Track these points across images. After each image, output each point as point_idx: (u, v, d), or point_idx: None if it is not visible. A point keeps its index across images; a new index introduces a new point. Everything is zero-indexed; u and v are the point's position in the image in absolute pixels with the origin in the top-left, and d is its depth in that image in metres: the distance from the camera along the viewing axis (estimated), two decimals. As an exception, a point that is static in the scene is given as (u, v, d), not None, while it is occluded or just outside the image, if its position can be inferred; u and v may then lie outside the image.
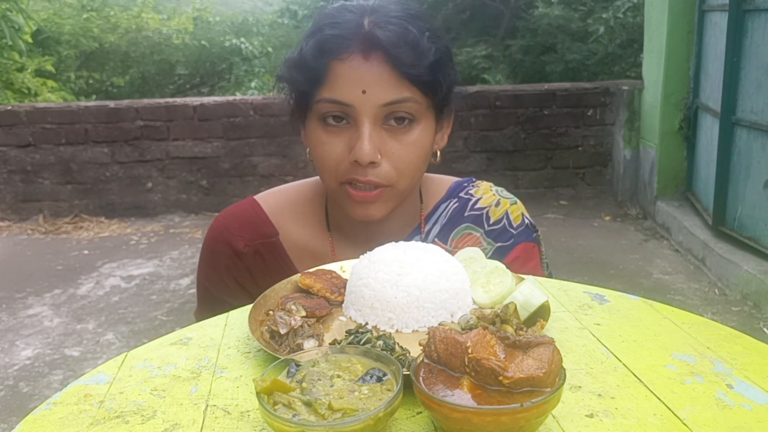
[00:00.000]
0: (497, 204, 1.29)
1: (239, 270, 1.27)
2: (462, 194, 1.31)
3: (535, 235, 1.30)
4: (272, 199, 1.32)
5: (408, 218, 1.29)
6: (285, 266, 1.25)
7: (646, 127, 5.44)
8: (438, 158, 1.23)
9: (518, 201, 1.32)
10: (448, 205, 1.31)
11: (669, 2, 4.91)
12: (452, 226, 1.29)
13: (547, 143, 5.80)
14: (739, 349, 0.85)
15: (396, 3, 1.16)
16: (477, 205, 1.29)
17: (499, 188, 1.33)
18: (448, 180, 1.35)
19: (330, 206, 1.30)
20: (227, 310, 1.02)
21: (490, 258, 1.10)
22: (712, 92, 4.61)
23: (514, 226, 1.28)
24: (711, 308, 3.80)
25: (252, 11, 11.28)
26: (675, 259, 4.59)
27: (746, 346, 0.86)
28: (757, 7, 3.95)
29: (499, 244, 1.27)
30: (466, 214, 1.29)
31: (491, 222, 1.28)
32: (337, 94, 1.11)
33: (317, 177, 1.34)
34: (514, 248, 1.27)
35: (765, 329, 3.50)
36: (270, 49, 9.40)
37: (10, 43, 6.50)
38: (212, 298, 1.29)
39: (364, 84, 1.10)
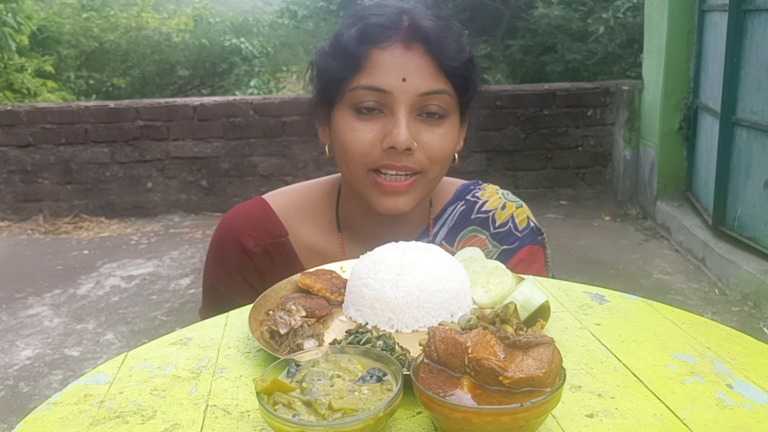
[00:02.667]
0: (503, 207, 1.30)
1: (248, 269, 1.27)
2: (469, 197, 1.32)
3: (540, 238, 1.30)
4: (281, 198, 1.32)
5: (418, 220, 1.29)
6: (294, 266, 1.25)
7: (646, 127, 5.44)
8: (456, 161, 1.24)
9: (524, 204, 1.33)
10: (455, 208, 1.31)
11: (669, 2, 4.91)
12: (459, 229, 1.30)
13: (547, 143, 5.80)
14: (739, 349, 0.85)
15: (430, 6, 1.19)
16: (483, 208, 1.30)
17: (505, 191, 1.34)
18: (455, 183, 1.36)
19: (341, 206, 1.30)
20: (234, 309, 1.02)
21: (495, 260, 1.10)
22: (712, 92, 4.61)
23: (520, 229, 1.29)
24: (711, 308, 3.80)
25: (252, 11, 11.28)
26: (675, 259, 4.59)
27: (746, 346, 0.86)
28: (757, 7, 3.95)
29: (504, 247, 1.28)
30: (472, 216, 1.30)
31: (497, 225, 1.29)
32: (377, 80, 1.12)
33: (326, 177, 1.34)
34: (519, 251, 1.28)
35: (765, 329, 3.50)
36: (270, 49, 9.40)
37: (2, 44, 6.50)
38: (219, 297, 1.28)
39: (405, 72, 1.11)
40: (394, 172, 1.14)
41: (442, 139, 1.16)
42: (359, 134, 1.14)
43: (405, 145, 1.11)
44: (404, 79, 1.11)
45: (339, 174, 1.29)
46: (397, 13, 1.15)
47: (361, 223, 1.27)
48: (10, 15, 6.45)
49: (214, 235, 1.32)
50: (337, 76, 1.16)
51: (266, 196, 1.33)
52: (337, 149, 1.19)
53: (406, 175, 1.14)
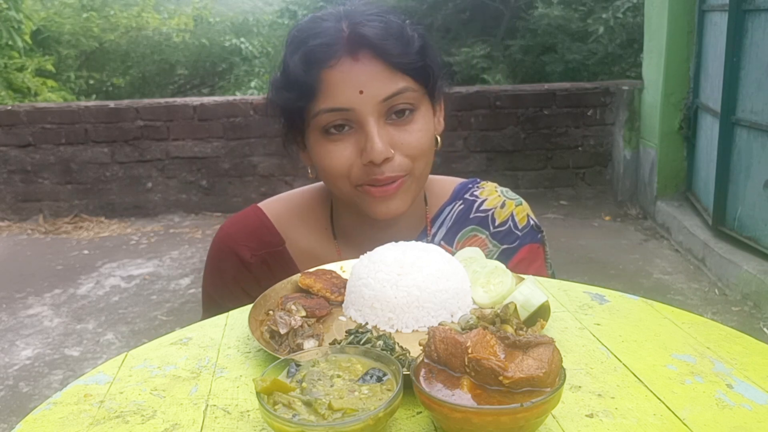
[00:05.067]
0: (502, 205, 1.29)
1: (247, 280, 1.26)
2: (467, 196, 1.31)
3: (540, 236, 1.30)
4: (276, 206, 1.31)
5: (414, 221, 1.28)
6: (292, 274, 1.24)
7: (646, 127, 5.44)
8: (439, 144, 1.22)
9: (523, 202, 1.31)
10: (453, 208, 1.30)
11: (669, 2, 4.91)
12: (458, 229, 1.28)
13: (547, 143, 5.80)
14: (739, 349, 0.85)
15: (366, 4, 1.17)
16: (482, 207, 1.29)
17: (504, 189, 1.33)
18: (453, 181, 1.34)
19: (335, 213, 1.29)
20: None
21: (496, 260, 1.10)
22: (712, 92, 4.61)
23: (520, 227, 1.28)
24: (711, 308, 3.80)
25: (252, 11, 11.27)
26: (675, 259, 4.59)
27: (746, 346, 0.86)
28: (757, 7, 3.95)
29: (504, 246, 1.27)
30: (471, 216, 1.29)
31: (497, 224, 1.28)
32: (335, 101, 1.10)
33: (321, 183, 1.33)
34: (519, 250, 1.27)
35: (765, 329, 3.50)
36: (270, 50, 9.40)
37: (9, 42, 6.50)
38: (217, 307, 1.27)
39: (360, 84, 1.09)
40: (382, 182, 1.13)
41: (417, 134, 1.14)
42: (335, 155, 1.13)
43: (382, 156, 1.09)
44: (361, 92, 1.09)
45: None
46: (336, 23, 1.12)
47: (356, 230, 1.26)
48: (12, 11, 6.45)
49: (211, 246, 1.31)
50: (296, 106, 1.14)
51: (261, 205, 1.31)
52: (319, 171, 1.19)
53: (393, 180, 1.13)
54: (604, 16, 7.18)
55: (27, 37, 7.31)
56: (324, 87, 1.10)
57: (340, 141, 1.13)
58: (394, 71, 1.11)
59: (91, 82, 8.97)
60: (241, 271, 1.26)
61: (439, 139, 1.23)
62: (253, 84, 8.70)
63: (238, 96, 7.05)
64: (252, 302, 0.99)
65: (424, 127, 1.15)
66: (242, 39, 9.17)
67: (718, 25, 4.46)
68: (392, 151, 1.11)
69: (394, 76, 1.11)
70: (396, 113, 1.13)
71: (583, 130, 5.79)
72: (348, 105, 1.10)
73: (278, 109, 1.19)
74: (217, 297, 1.29)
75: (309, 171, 1.24)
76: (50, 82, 7.84)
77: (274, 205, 1.31)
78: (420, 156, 1.15)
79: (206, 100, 5.87)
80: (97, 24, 8.85)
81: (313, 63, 1.10)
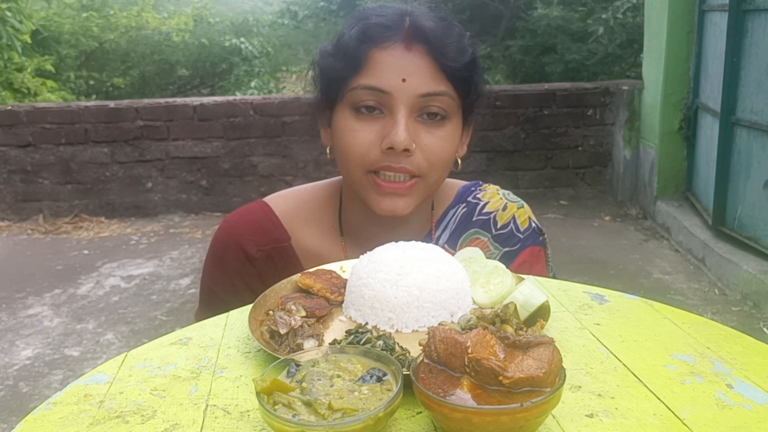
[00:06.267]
0: (504, 208, 1.29)
1: (250, 274, 1.26)
2: (470, 199, 1.31)
3: (541, 238, 1.30)
4: (283, 202, 1.30)
5: (420, 224, 1.28)
6: (296, 271, 1.24)
7: (646, 127, 5.44)
8: (459, 166, 1.24)
9: (525, 204, 1.32)
10: (456, 210, 1.31)
11: (669, 2, 4.91)
12: (461, 232, 1.29)
13: (547, 143, 5.80)
14: (739, 349, 0.85)
15: (432, 9, 1.19)
16: (485, 210, 1.29)
17: (506, 192, 1.33)
18: (456, 184, 1.35)
19: (343, 211, 1.29)
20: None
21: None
22: (712, 92, 4.61)
23: (521, 230, 1.28)
24: (711, 308, 3.80)
25: (252, 11, 11.28)
26: (675, 259, 4.59)
27: (746, 346, 0.86)
28: (757, 7, 3.95)
29: (506, 249, 1.27)
30: (474, 219, 1.29)
31: (498, 227, 1.28)
32: (376, 80, 1.11)
33: (329, 180, 1.33)
34: (521, 252, 1.27)
35: (765, 329, 3.50)
36: (270, 50, 9.40)
37: (9, 43, 6.51)
38: (217, 300, 1.27)
39: (405, 72, 1.11)
40: (392, 174, 1.13)
41: (442, 141, 1.15)
42: (358, 134, 1.13)
43: (403, 145, 1.10)
44: (404, 80, 1.11)
45: (340, 177, 1.29)
46: (399, 14, 1.14)
47: (363, 228, 1.26)
48: (10, 14, 6.45)
49: (214, 237, 1.30)
50: (338, 76, 1.15)
51: (268, 199, 1.31)
52: (337, 151, 1.19)
53: (406, 177, 1.14)
54: (604, 16, 7.18)
55: (27, 37, 7.31)
56: (370, 64, 1.12)
57: (367, 122, 1.14)
58: (441, 72, 1.13)
59: (91, 82, 8.96)
60: (245, 265, 1.26)
61: (459, 162, 1.24)
62: (253, 84, 8.69)
63: (238, 96, 7.05)
64: (253, 297, 0.99)
65: (450, 138, 1.16)
66: (242, 39, 9.17)
67: (718, 25, 4.46)
68: (414, 146, 1.12)
69: (439, 77, 1.13)
70: (428, 114, 1.14)
71: (583, 130, 5.79)
72: (387, 88, 1.11)
73: (319, 75, 1.20)
74: (216, 289, 1.29)
75: (327, 152, 1.24)
76: (50, 83, 7.84)
77: (280, 201, 1.31)
78: (438, 163, 1.15)
79: (206, 100, 5.87)
80: (97, 24, 8.85)
81: (367, 39, 1.12)
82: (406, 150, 1.11)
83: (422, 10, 1.16)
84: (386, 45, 1.12)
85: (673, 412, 0.72)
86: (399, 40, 1.12)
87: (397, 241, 1.05)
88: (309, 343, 0.86)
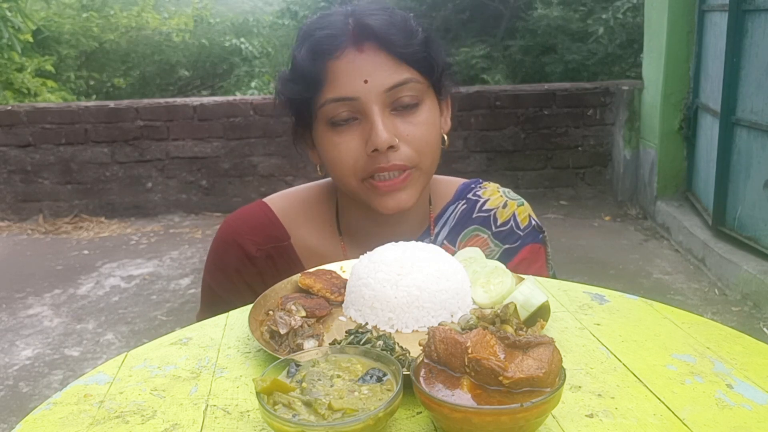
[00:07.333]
0: (504, 206, 1.30)
1: (250, 274, 1.27)
2: (470, 196, 1.32)
3: (541, 236, 1.30)
4: (282, 202, 1.32)
5: (418, 220, 1.29)
6: (296, 270, 1.24)
7: (646, 127, 5.44)
8: (446, 143, 1.24)
9: (525, 202, 1.32)
10: (456, 207, 1.31)
11: (669, 2, 4.91)
12: (461, 228, 1.29)
13: (547, 143, 5.80)
14: (739, 349, 0.85)
15: (371, 1, 1.20)
16: (485, 207, 1.30)
17: (506, 189, 1.34)
18: (456, 182, 1.35)
19: (341, 209, 1.30)
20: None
21: (497, 260, 1.10)
22: (712, 92, 4.61)
23: (521, 227, 1.29)
24: (711, 308, 3.80)
25: (252, 11, 11.28)
26: (675, 259, 4.59)
27: (746, 346, 0.86)
28: (757, 7, 3.95)
29: (506, 246, 1.28)
30: (474, 216, 1.30)
31: (499, 224, 1.29)
32: (341, 91, 1.12)
33: (326, 180, 1.34)
34: (521, 250, 1.28)
35: (765, 329, 3.50)
36: (270, 50, 9.40)
37: (9, 43, 6.51)
38: (218, 300, 1.28)
39: (364, 74, 1.11)
40: (386, 173, 1.14)
41: (422, 127, 1.15)
42: (342, 147, 1.14)
43: (386, 143, 1.11)
44: (366, 81, 1.11)
45: None
46: (342, 18, 1.15)
47: (361, 227, 1.27)
48: (10, 14, 6.46)
49: (215, 238, 1.31)
50: (303, 98, 1.16)
51: (267, 200, 1.32)
52: (327, 167, 1.21)
53: (400, 172, 1.14)
54: (604, 16, 7.18)
55: (29, 36, 7.31)
56: (330, 77, 1.12)
57: (345, 132, 1.14)
58: (399, 62, 1.13)
59: (91, 82, 8.97)
60: (245, 265, 1.27)
61: (446, 137, 1.24)
62: (253, 84, 8.70)
63: (238, 96, 7.05)
64: (254, 296, 0.99)
65: (430, 121, 1.17)
66: (242, 39, 9.17)
67: (718, 25, 4.46)
68: (397, 141, 1.12)
69: (399, 66, 1.13)
70: (401, 106, 1.14)
71: (583, 130, 5.79)
72: (353, 94, 1.11)
73: (286, 102, 1.21)
74: (218, 289, 1.29)
75: (318, 169, 1.25)
76: (50, 83, 7.84)
77: (279, 201, 1.32)
78: (426, 149, 1.16)
79: (206, 100, 5.87)
80: (97, 24, 8.85)
81: (319, 54, 1.13)
82: (391, 147, 1.12)
83: (362, 8, 1.16)
84: (338, 54, 1.12)
85: (673, 412, 0.72)
86: (349, 45, 1.12)
87: (395, 238, 1.05)
88: (309, 343, 0.86)
